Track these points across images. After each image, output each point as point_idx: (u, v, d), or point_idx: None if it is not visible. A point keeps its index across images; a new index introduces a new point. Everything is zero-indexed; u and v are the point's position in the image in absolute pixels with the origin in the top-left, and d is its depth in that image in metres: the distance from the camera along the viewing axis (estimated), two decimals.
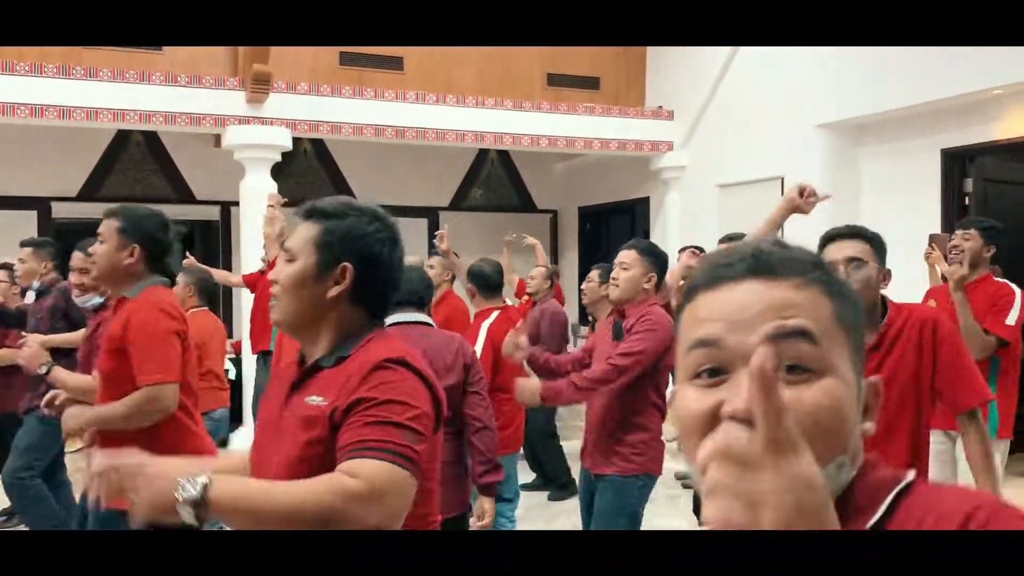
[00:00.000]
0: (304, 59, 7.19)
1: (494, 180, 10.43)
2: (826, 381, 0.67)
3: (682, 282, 3.93)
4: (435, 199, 10.01)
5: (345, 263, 1.50)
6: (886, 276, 2.36)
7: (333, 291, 1.49)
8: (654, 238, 7.44)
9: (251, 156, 6.94)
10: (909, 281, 3.79)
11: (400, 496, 1.33)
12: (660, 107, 8.56)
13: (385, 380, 1.39)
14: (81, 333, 4.30)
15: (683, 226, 8.26)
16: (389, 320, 2.70)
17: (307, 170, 9.43)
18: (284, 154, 9.14)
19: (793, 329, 0.67)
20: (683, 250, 5.32)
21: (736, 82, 7.64)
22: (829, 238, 2.40)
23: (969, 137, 6.01)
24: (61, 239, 8.20)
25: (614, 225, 10.04)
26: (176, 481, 1.21)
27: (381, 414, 1.36)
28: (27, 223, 8.17)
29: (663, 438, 3.12)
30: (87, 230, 7.17)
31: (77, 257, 3.37)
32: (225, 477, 1.27)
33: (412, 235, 9.80)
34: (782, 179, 7.08)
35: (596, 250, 9.93)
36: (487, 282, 4.05)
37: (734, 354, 0.67)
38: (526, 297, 5.97)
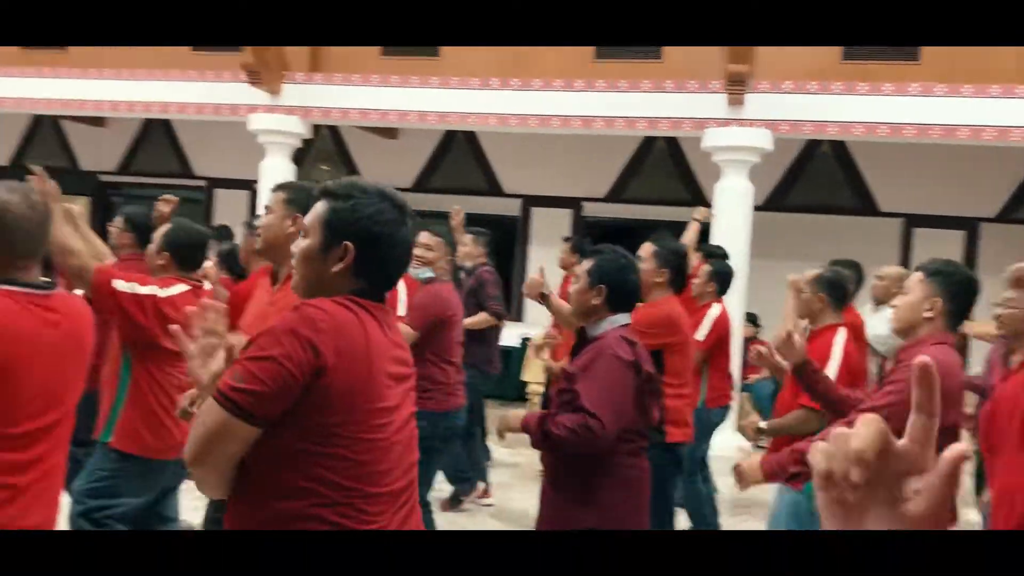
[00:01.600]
0: (797, 57, 6.85)
1: None
2: None
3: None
4: (976, 208, 8.52)
5: (347, 242, 1.59)
6: None
7: (336, 267, 1.60)
8: None
9: (729, 158, 6.91)
10: None
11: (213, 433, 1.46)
12: None
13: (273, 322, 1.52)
14: (482, 316, 5.01)
15: None
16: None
17: (825, 173, 8.93)
18: (800, 157, 8.89)
19: None
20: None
21: None
22: None
23: None
24: (590, 235, 9.36)
25: None
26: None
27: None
28: (562, 220, 9.46)
29: None
30: (613, 228, 7.85)
31: (424, 235, 3.94)
32: None
33: (947, 247, 8.60)
34: None
35: None
36: (843, 294, 3.45)
37: None
38: None
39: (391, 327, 1.65)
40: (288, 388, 1.44)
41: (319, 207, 1.64)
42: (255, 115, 7.79)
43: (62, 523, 2.50)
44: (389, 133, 9.50)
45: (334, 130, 9.71)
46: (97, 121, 10.11)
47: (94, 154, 10.60)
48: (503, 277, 8.47)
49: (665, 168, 9.36)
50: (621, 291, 2.63)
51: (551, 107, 7.21)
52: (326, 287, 1.61)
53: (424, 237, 3.89)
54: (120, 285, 2.76)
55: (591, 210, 9.52)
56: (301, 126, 7.87)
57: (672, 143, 9.15)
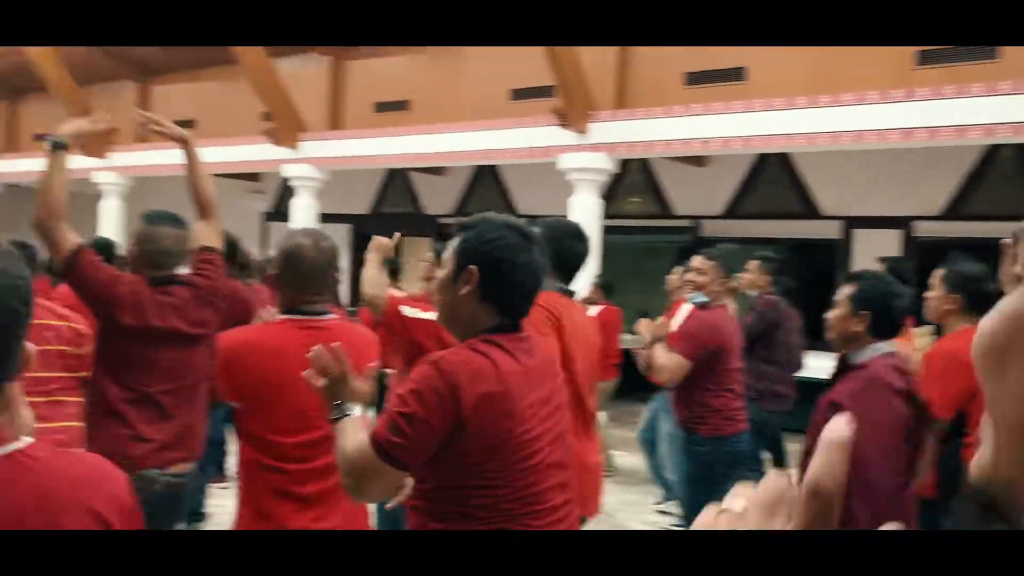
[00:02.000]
0: None
1: None
2: None
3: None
4: None
5: (471, 266, 1.71)
6: None
7: (463, 290, 1.72)
8: None
9: None
10: None
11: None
12: None
13: (412, 376, 1.64)
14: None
15: None
16: None
17: None
18: None
19: None
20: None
21: None
22: None
23: None
24: (923, 257, 8.51)
25: None
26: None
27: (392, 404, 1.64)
28: (890, 241, 8.69)
29: None
30: (952, 248, 7.29)
31: (697, 259, 3.86)
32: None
33: None
34: None
35: None
36: None
37: None
38: None
39: (528, 352, 1.71)
40: (429, 441, 1.57)
41: (454, 240, 1.77)
42: (564, 155, 8.24)
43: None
44: (698, 161, 9.47)
45: (644, 162, 9.91)
46: (437, 170, 11.36)
47: (435, 199, 11.90)
48: (820, 305, 7.96)
49: (1015, 178, 8.22)
50: (886, 317, 2.45)
51: (865, 121, 6.71)
52: (458, 312, 1.73)
53: (696, 261, 3.86)
54: (406, 310, 3.16)
55: (924, 229, 8.64)
56: (608, 162, 8.16)
57: (1022, 150, 8.02)
